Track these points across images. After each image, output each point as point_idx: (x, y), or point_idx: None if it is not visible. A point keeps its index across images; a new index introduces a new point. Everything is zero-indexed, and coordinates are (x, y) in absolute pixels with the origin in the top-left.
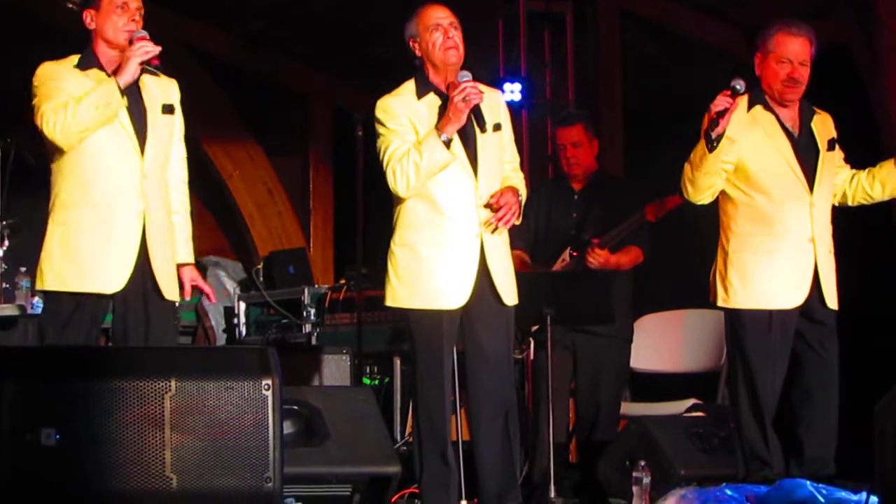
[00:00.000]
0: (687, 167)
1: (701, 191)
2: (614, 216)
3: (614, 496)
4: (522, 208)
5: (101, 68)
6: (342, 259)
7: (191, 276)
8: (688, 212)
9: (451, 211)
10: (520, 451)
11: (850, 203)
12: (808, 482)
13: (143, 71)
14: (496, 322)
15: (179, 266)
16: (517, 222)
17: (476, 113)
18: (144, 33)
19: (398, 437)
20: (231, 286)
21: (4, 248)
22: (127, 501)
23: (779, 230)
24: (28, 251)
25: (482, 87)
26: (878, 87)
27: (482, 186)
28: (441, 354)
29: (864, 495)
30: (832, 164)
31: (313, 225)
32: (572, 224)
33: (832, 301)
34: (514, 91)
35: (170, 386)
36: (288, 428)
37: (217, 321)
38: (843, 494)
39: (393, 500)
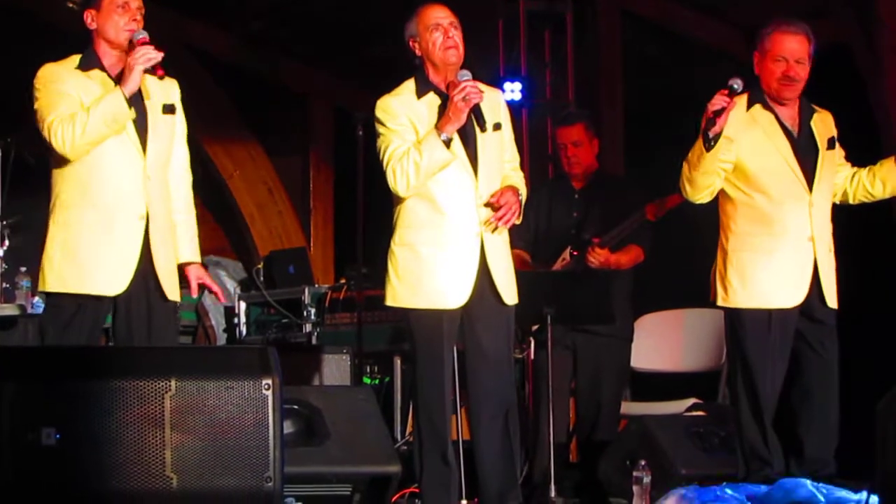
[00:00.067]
0: (685, 166)
1: (699, 190)
2: (615, 215)
3: (615, 496)
4: (522, 208)
5: (103, 69)
6: (342, 259)
7: (197, 274)
8: (688, 211)
9: (452, 210)
10: (520, 451)
11: (851, 201)
12: (808, 482)
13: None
14: (496, 321)
15: (185, 265)
16: (517, 222)
17: (476, 112)
18: (145, 35)
19: (398, 437)
20: (231, 286)
21: (5, 248)
22: (127, 501)
23: (778, 230)
24: (28, 251)
25: (482, 86)
26: (878, 87)
27: (482, 186)
28: (441, 354)
29: (864, 495)
30: (832, 163)
31: (314, 224)
32: (573, 223)
33: (832, 300)
34: (514, 91)
35: (170, 385)
36: (288, 427)
37: (217, 321)
38: (844, 494)
39: (393, 499)
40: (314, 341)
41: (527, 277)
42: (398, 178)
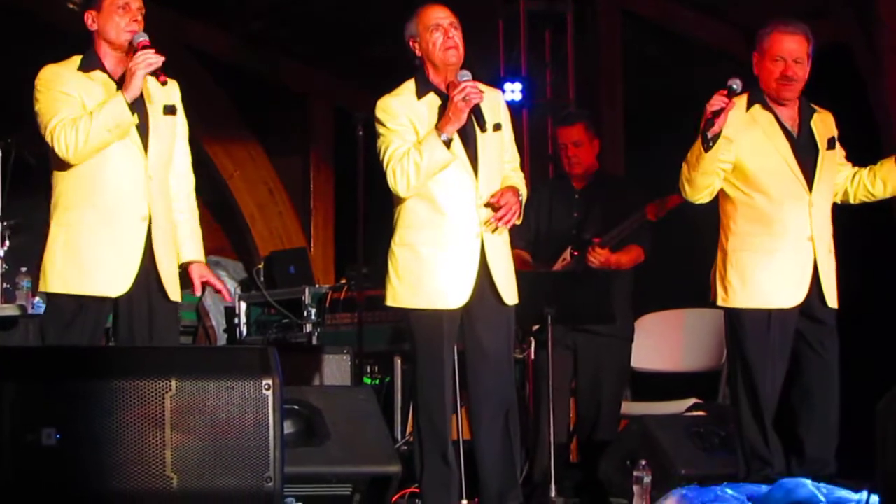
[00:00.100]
0: (684, 167)
1: (699, 190)
2: (615, 215)
3: (615, 496)
4: (523, 208)
5: (104, 70)
6: (343, 259)
7: (200, 272)
8: (688, 211)
9: (452, 211)
10: (520, 451)
11: (851, 201)
12: (808, 482)
13: None
14: (497, 321)
15: (189, 264)
16: (517, 222)
17: (476, 112)
18: (145, 38)
19: (399, 437)
20: (232, 286)
21: (5, 248)
22: (127, 501)
23: (778, 230)
24: (29, 251)
25: (482, 86)
26: (878, 87)
27: (482, 186)
28: (441, 354)
29: (864, 495)
30: (832, 163)
31: (314, 225)
32: (573, 223)
33: (832, 300)
34: (514, 91)
35: (170, 386)
36: (288, 428)
37: (218, 321)
38: (844, 494)
39: (393, 499)
40: (314, 341)
41: (527, 277)
42: (398, 178)
